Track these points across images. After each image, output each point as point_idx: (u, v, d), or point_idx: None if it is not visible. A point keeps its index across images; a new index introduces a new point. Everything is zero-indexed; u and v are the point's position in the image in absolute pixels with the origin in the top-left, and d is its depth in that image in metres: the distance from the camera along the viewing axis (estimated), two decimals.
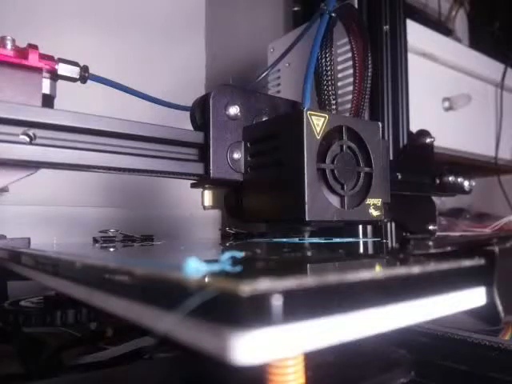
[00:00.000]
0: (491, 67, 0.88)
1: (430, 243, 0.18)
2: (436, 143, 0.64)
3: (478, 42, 1.00)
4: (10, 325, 0.38)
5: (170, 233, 0.76)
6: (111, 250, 0.39)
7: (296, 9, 0.80)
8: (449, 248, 0.19)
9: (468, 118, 0.80)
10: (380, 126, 0.40)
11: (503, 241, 0.19)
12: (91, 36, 0.77)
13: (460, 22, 1.01)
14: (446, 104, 0.77)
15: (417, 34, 0.69)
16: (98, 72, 0.40)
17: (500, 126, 0.89)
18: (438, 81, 0.75)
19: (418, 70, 0.68)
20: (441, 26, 0.91)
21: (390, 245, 0.39)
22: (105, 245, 0.44)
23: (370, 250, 0.34)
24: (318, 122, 0.35)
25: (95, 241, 0.47)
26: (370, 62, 0.48)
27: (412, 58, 0.66)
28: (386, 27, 0.61)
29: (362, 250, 0.31)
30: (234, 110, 0.41)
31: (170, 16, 0.89)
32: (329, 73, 0.45)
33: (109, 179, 0.74)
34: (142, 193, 0.78)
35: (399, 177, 0.54)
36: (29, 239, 0.45)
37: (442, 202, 1.09)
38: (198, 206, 0.84)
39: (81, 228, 0.66)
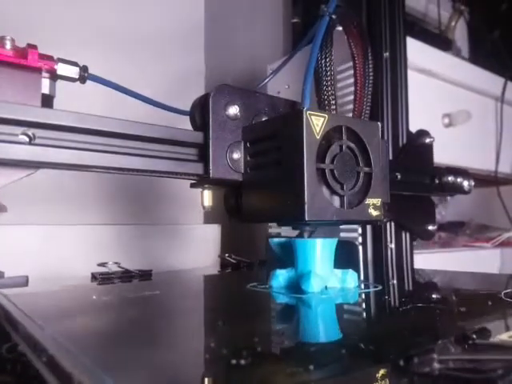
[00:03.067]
0: (491, 81, 0.88)
1: (436, 365, 0.17)
2: (436, 160, 0.64)
3: (478, 50, 1.01)
4: (8, 374, 0.36)
5: (171, 249, 0.75)
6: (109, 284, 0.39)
7: (295, 21, 0.80)
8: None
9: (468, 133, 0.80)
10: (379, 126, 0.40)
11: (508, 370, 0.18)
12: (96, 53, 0.76)
13: (460, 32, 1.01)
14: (446, 120, 0.77)
15: (416, 51, 0.69)
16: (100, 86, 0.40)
17: (500, 140, 0.89)
18: (438, 97, 0.75)
19: (417, 87, 0.68)
20: (440, 36, 0.91)
21: (391, 301, 0.37)
22: (103, 283, 0.46)
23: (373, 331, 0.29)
24: (317, 122, 0.35)
25: (94, 278, 0.47)
26: (370, 67, 0.48)
27: (411, 75, 0.66)
28: (386, 54, 0.61)
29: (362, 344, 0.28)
30: (233, 110, 0.41)
31: (170, 34, 0.88)
32: (328, 73, 0.45)
33: (109, 195, 0.74)
34: (143, 208, 0.78)
35: (398, 177, 0.54)
36: (27, 278, 0.45)
37: (442, 217, 1.09)
38: (198, 221, 0.84)
39: (81, 246, 0.66)
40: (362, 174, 0.37)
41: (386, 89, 0.62)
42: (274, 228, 0.72)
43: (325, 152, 0.36)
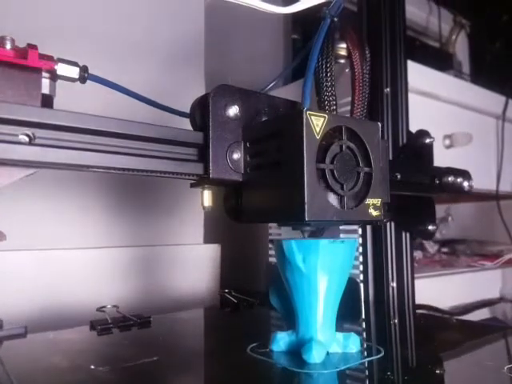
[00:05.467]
0: (491, 100, 0.88)
1: None
2: None
3: (479, 63, 1.01)
4: None
5: (170, 272, 0.75)
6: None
7: (295, 37, 0.80)
8: None
9: (468, 153, 0.80)
10: (379, 126, 0.40)
11: None
12: (94, 52, 0.75)
13: (461, 44, 1.01)
14: (447, 142, 0.77)
15: (418, 75, 0.69)
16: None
17: (501, 159, 0.89)
18: (439, 118, 0.75)
19: (418, 109, 0.68)
20: (441, 51, 0.91)
21: (394, 378, 0.35)
22: (101, 333, 0.47)
23: None
24: (317, 122, 0.35)
25: (93, 327, 0.48)
26: (368, 69, 0.48)
27: (412, 98, 0.66)
28: (387, 90, 0.62)
29: None
30: (233, 110, 0.41)
31: (169, 47, 0.87)
32: (329, 74, 0.45)
33: (106, 218, 0.73)
34: (142, 228, 0.76)
35: (398, 177, 0.54)
36: (25, 329, 0.45)
37: (443, 236, 1.10)
38: (198, 241, 0.83)
39: (81, 271, 0.66)
40: (361, 174, 0.37)
41: (386, 88, 0.62)
42: (273, 257, 0.72)
43: (325, 152, 0.36)
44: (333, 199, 0.36)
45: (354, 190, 0.37)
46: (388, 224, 0.63)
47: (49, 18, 0.70)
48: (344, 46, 0.54)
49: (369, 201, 0.38)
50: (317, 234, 0.44)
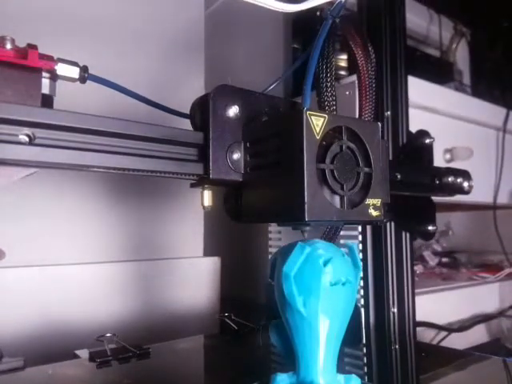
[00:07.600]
0: (492, 113, 0.88)
1: None
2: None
3: (480, 72, 1.01)
4: None
5: (169, 287, 0.74)
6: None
7: (295, 46, 0.79)
8: None
9: (469, 166, 0.79)
10: (379, 126, 0.40)
11: None
12: (93, 51, 0.75)
13: (461, 52, 1.01)
14: (448, 156, 0.77)
15: (418, 90, 0.69)
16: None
17: (501, 171, 0.89)
18: (440, 132, 0.75)
19: (418, 124, 0.68)
20: (441, 60, 0.91)
21: None
22: (100, 366, 0.46)
23: None
24: (317, 122, 0.35)
25: (92, 359, 0.47)
26: (373, 69, 0.48)
27: (412, 112, 0.66)
28: (388, 113, 0.62)
29: None
30: (233, 110, 0.41)
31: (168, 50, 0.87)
32: (329, 74, 0.45)
33: (104, 232, 0.72)
34: (141, 240, 0.75)
35: (398, 177, 0.54)
36: (23, 362, 0.44)
37: (443, 248, 1.09)
38: (197, 253, 0.82)
39: (80, 287, 0.66)
40: (361, 174, 0.37)
41: (386, 89, 0.62)
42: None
43: (325, 152, 0.35)
44: (333, 199, 0.36)
45: (354, 190, 0.37)
46: (388, 226, 0.63)
47: (47, 2, 0.70)
48: (344, 57, 0.54)
49: (369, 201, 0.38)
50: (328, 237, 0.44)
